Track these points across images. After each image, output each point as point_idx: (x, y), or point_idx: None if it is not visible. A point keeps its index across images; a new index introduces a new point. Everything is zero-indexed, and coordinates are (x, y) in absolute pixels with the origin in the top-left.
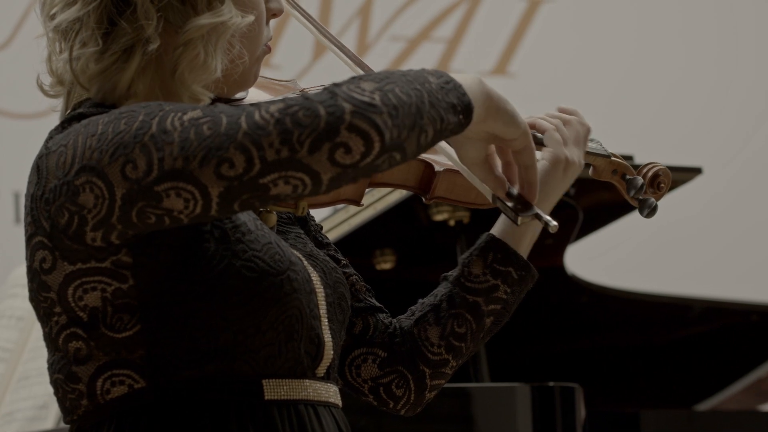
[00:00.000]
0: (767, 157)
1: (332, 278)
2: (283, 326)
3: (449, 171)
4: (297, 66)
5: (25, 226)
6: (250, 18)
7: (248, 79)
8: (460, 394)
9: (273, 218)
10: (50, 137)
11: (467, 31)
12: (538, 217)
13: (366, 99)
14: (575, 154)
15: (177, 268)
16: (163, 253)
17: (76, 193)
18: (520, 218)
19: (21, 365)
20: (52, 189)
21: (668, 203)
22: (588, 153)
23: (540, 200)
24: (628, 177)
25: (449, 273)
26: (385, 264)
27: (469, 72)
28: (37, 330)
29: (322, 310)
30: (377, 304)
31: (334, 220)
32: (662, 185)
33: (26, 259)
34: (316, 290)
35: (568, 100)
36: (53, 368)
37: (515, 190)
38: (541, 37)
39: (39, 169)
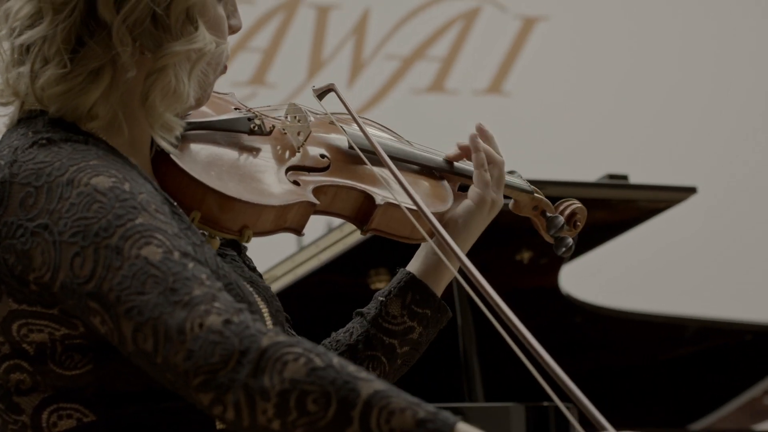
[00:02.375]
0: (761, 176)
1: (274, 306)
2: None
3: (389, 205)
4: (292, 84)
5: None
6: (224, 44)
7: (202, 101)
8: (454, 414)
9: (216, 244)
10: (14, 160)
11: (462, 49)
12: None
13: (266, 384)
14: (499, 195)
15: None
16: None
17: (29, 242)
18: None
19: None
20: (8, 224)
21: (662, 223)
22: (511, 188)
23: (463, 240)
24: (548, 215)
25: (364, 309)
26: (380, 283)
27: (463, 91)
28: None
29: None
30: (294, 334)
31: (330, 239)
32: (578, 223)
33: None
34: (265, 321)
35: (562, 119)
36: None
37: None
38: (536, 56)
39: (2, 189)
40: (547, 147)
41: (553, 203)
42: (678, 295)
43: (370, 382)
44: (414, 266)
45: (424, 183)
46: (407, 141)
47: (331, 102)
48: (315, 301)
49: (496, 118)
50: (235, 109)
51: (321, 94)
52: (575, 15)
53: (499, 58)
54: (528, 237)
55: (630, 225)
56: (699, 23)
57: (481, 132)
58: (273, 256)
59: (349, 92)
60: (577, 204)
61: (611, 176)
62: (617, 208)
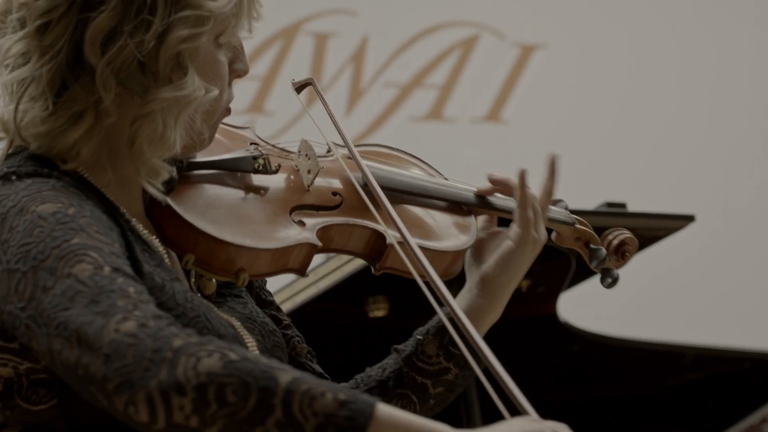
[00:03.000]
0: (759, 204)
1: (270, 342)
2: None
3: (403, 244)
4: (290, 112)
5: None
6: (215, 92)
7: (203, 144)
8: None
9: (212, 286)
10: None
11: (460, 77)
12: None
13: (180, 378)
14: (542, 232)
15: None
16: None
17: None
18: None
19: None
20: None
21: (661, 251)
22: (552, 220)
23: (506, 281)
24: (592, 246)
25: (402, 346)
26: (378, 312)
27: (462, 119)
28: None
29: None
30: (319, 369)
31: (328, 267)
32: (627, 254)
33: None
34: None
35: (560, 147)
36: None
37: None
38: (534, 83)
39: None
40: (545, 174)
41: (602, 232)
42: (676, 323)
43: (287, 371)
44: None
45: (446, 218)
46: (439, 173)
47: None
48: (313, 329)
49: (494, 145)
50: (252, 144)
51: (299, 87)
52: (573, 43)
53: (498, 86)
54: None
55: None
56: (697, 51)
57: (524, 174)
58: (272, 283)
59: (347, 120)
60: (627, 234)
61: (609, 204)
62: None
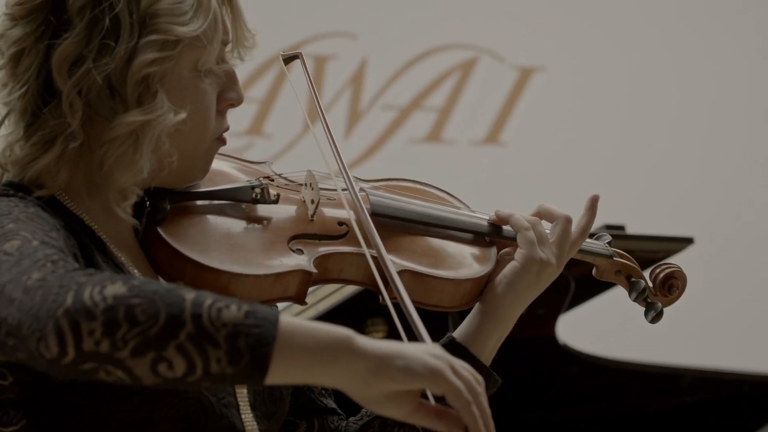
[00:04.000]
0: (758, 227)
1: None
2: (178, 417)
3: (406, 272)
4: (289, 134)
5: None
6: (182, 115)
7: (194, 172)
8: None
9: None
10: None
11: (459, 100)
12: None
13: (87, 302)
14: (552, 254)
15: None
16: None
17: None
18: None
19: None
20: None
21: None
22: (587, 252)
23: (510, 302)
24: (633, 279)
25: None
26: (377, 334)
27: (460, 141)
28: None
29: (241, 398)
30: (331, 405)
31: (327, 289)
32: (674, 288)
33: None
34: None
35: (559, 169)
36: None
37: None
38: (533, 106)
39: None
40: (543, 197)
41: (652, 265)
42: (674, 345)
43: (189, 290)
44: (458, 331)
45: (464, 248)
46: (466, 206)
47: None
48: None
49: (493, 168)
50: (265, 178)
51: (287, 59)
52: (572, 66)
53: (496, 109)
54: None
55: None
56: (696, 74)
57: (498, 216)
58: None
59: (346, 142)
60: (674, 268)
61: (608, 227)
62: None
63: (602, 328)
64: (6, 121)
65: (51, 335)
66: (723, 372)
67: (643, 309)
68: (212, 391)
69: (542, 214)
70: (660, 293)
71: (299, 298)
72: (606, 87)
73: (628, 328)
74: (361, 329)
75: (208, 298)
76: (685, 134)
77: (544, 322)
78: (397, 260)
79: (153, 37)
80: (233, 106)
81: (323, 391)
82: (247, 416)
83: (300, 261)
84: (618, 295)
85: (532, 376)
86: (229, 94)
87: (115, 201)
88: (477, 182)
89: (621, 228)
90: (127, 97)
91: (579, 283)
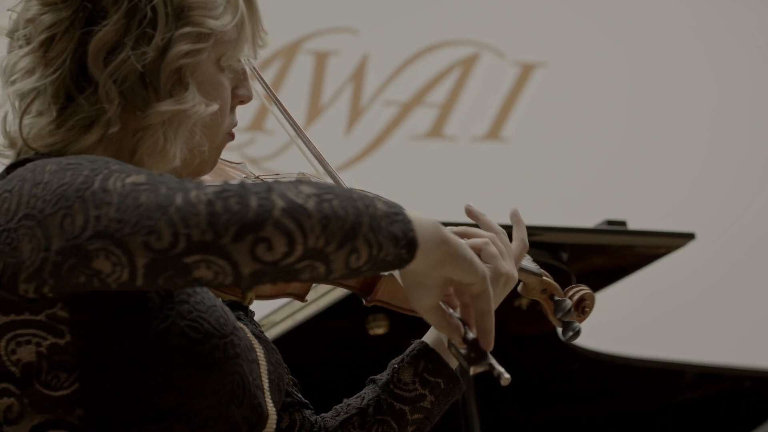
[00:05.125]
0: (760, 224)
1: (274, 357)
2: (224, 390)
3: (393, 276)
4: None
5: None
6: (214, 107)
7: (206, 167)
8: None
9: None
10: None
11: (460, 96)
12: (491, 367)
13: (299, 201)
14: (512, 268)
15: (117, 326)
16: (102, 310)
17: (14, 240)
18: (473, 368)
19: None
20: None
21: (661, 269)
22: (522, 270)
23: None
24: (556, 298)
25: (378, 376)
26: (378, 329)
27: (462, 137)
28: None
29: (265, 383)
30: (304, 399)
31: (328, 285)
32: (587, 309)
33: None
34: (259, 362)
35: (560, 165)
36: None
37: (471, 335)
38: (534, 102)
39: None
40: (545, 193)
41: (564, 287)
42: (676, 341)
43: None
44: (429, 336)
45: None
46: None
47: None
48: (313, 346)
49: (494, 164)
50: (256, 178)
51: None
52: (573, 61)
53: (498, 105)
54: None
55: (628, 271)
56: (699, 70)
57: (468, 212)
58: (272, 301)
59: (347, 138)
60: (587, 290)
61: (609, 222)
62: (616, 254)
63: (603, 323)
64: (31, 107)
65: (165, 229)
66: (724, 368)
67: (561, 329)
68: (249, 370)
69: (482, 227)
70: (575, 314)
71: (302, 296)
72: (608, 82)
73: (630, 324)
74: (363, 325)
75: (367, 197)
76: (687, 130)
77: (546, 319)
78: None
79: (188, 29)
80: (243, 103)
81: (294, 386)
82: (268, 400)
83: None
84: (618, 291)
85: (533, 373)
86: (240, 90)
87: None
88: (478, 178)
89: (622, 223)
90: (160, 88)
91: (580, 278)
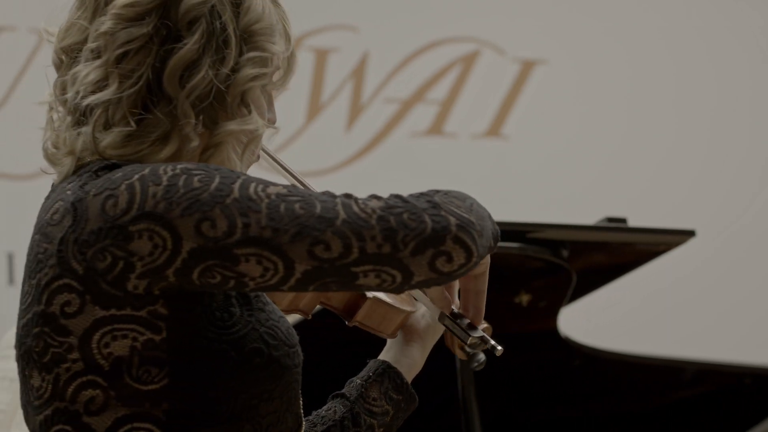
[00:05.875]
0: (761, 222)
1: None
2: (286, 396)
3: (376, 300)
4: (291, 127)
5: (40, 271)
6: (274, 129)
7: None
8: None
9: None
10: (84, 183)
11: (461, 93)
12: (484, 339)
13: (465, 216)
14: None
15: (207, 325)
16: (196, 309)
17: (128, 238)
18: (470, 338)
19: (14, 427)
20: (94, 231)
21: (662, 266)
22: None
23: (431, 341)
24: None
25: (344, 391)
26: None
27: (462, 134)
28: None
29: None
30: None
31: None
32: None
33: (37, 303)
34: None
35: (561, 162)
36: (52, 421)
37: (457, 310)
38: (535, 99)
39: (76, 211)
40: (545, 190)
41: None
42: (677, 338)
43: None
44: (388, 355)
45: None
46: None
47: None
48: (317, 344)
49: (494, 161)
50: None
51: None
52: (574, 59)
53: (498, 102)
54: (526, 280)
55: (629, 268)
56: (700, 67)
57: None
58: None
59: (348, 135)
60: (486, 324)
61: (610, 219)
62: (616, 251)
63: (604, 321)
64: (100, 117)
65: (335, 239)
66: (725, 365)
67: (465, 359)
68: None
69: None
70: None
71: (308, 313)
72: (608, 80)
73: (630, 321)
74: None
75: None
76: (688, 128)
77: (546, 316)
78: None
79: (254, 53)
80: (271, 124)
81: None
82: (301, 408)
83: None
84: (619, 288)
85: (534, 370)
86: (269, 114)
87: None
88: (478, 175)
89: (623, 221)
90: (227, 108)
91: (581, 275)
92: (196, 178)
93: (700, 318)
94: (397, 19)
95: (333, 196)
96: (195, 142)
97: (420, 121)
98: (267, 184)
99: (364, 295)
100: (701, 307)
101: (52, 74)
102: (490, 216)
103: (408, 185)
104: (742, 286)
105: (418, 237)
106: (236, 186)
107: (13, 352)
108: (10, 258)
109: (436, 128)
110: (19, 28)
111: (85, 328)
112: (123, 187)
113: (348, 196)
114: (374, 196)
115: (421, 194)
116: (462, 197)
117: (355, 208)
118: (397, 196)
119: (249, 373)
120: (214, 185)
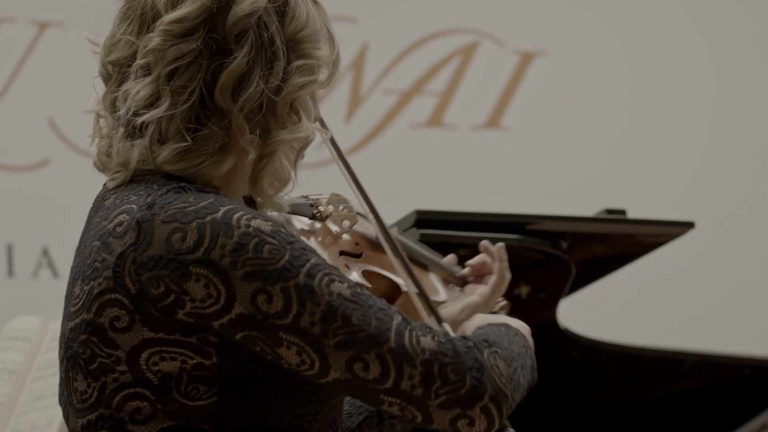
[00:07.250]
0: (761, 214)
1: None
2: (330, 418)
3: (408, 294)
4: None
5: (95, 279)
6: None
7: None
8: None
9: None
10: (152, 201)
11: (460, 84)
12: None
13: (503, 388)
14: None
15: (257, 356)
16: None
17: (186, 275)
18: None
19: (13, 419)
20: (155, 258)
21: (661, 257)
22: None
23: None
24: None
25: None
26: None
27: (461, 125)
28: (30, 383)
29: None
30: None
31: None
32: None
33: (86, 311)
34: None
35: (560, 154)
36: (96, 426)
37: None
38: (534, 90)
39: (140, 231)
40: (544, 182)
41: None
42: (676, 329)
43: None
44: None
45: (427, 276)
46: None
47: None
48: None
49: (494, 152)
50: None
51: None
52: (573, 50)
53: (498, 93)
54: (526, 272)
55: (628, 259)
56: (701, 60)
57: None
58: None
59: (347, 126)
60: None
61: (609, 211)
62: (615, 243)
63: (603, 312)
64: (154, 133)
65: (376, 364)
66: (724, 356)
67: None
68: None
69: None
70: None
71: None
72: (608, 71)
73: (630, 312)
74: None
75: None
76: (688, 120)
77: (545, 307)
78: (399, 280)
79: (301, 61)
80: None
81: None
82: (342, 423)
83: (355, 275)
84: (619, 279)
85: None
86: (314, 111)
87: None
88: (478, 167)
89: (622, 212)
90: (278, 118)
91: (580, 267)
92: (266, 247)
93: (699, 309)
94: (396, 10)
95: (391, 315)
96: (252, 155)
97: (419, 112)
98: (333, 278)
99: (399, 289)
100: (700, 298)
101: (100, 85)
102: (532, 372)
103: (407, 176)
104: (741, 278)
105: (451, 393)
106: (303, 270)
107: (12, 344)
108: (9, 249)
109: (436, 120)
110: (18, 20)
111: (133, 345)
112: (194, 224)
113: (405, 320)
114: (430, 331)
115: (475, 345)
116: (511, 357)
117: (406, 340)
118: (451, 341)
119: (298, 398)
120: (282, 263)
